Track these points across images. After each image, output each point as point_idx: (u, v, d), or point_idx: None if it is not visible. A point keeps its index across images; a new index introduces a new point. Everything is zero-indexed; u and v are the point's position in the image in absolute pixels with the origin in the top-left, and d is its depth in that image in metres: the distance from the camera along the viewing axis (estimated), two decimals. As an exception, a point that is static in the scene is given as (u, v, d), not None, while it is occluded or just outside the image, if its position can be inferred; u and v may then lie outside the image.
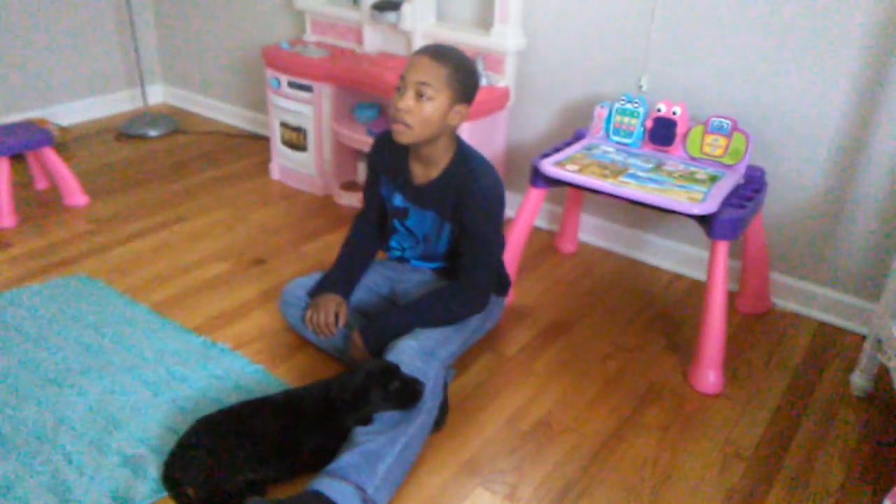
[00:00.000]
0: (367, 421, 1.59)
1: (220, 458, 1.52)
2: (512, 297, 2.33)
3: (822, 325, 2.30)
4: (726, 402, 1.94)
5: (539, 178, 2.16)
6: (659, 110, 2.20)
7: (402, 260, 2.10)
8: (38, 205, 2.84)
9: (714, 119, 2.13)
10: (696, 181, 2.03)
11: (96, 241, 2.60)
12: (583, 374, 2.03)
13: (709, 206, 1.88)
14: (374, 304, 2.07)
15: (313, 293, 2.00)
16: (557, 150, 2.24)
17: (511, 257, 2.21)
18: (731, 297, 2.31)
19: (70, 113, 3.68)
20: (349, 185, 3.01)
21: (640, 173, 2.06)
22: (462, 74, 1.76)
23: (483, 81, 2.55)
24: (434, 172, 1.88)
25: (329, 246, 2.62)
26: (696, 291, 2.43)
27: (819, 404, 1.95)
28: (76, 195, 2.86)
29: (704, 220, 1.92)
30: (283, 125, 3.02)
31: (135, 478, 1.58)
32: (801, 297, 2.34)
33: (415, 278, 2.05)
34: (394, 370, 1.61)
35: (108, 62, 3.78)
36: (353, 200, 2.92)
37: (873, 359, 1.91)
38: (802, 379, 2.05)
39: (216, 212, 2.86)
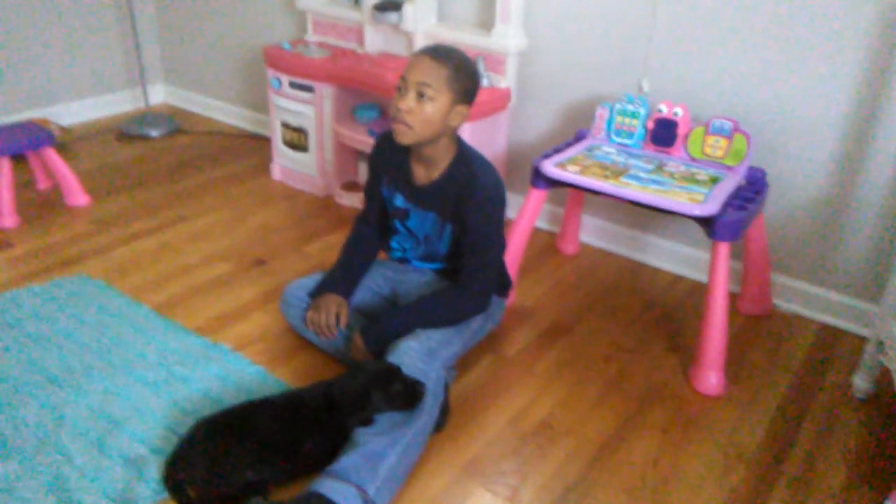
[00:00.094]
0: (368, 422, 1.59)
1: (221, 459, 1.52)
2: (513, 298, 2.33)
3: (824, 326, 2.29)
4: (728, 404, 1.93)
5: (540, 179, 2.16)
6: (660, 111, 2.20)
7: (403, 261, 2.10)
8: (39, 205, 2.85)
9: (715, 120, 2.13)
10: (698, 182, 2.03)
11: (97, 241, 2.60)
12: (584, 375, 2.02)
13: (710, 208, 1.88)
14: (375, 305, 2.07)
15: (314, 294, 2.00)
16: (558, 150, 2.24)
17: (512, 258, 2.21)
18: (733, 298, 2.31)
19: (71, 113, 3.68)
20: (350, 186, 3.01)
21: (642, 174, 2.06)
22: (463, 75, 1.76)
23: (484, 82, 2.55)
24: (435, 173, 1.88)
25: (330, 246, 2.62)
26: (698, 293, 2.42)
27: (821, 406, 1.95)
28: (77, 195, 2.86)
29: (705, 222, 1.91)
30: (285, 125, 3.02)
31: (136, 478, 1.58)
32: (803, 298, 2.34)
33: (416, 279, 2.05)
34: (395, 371, 1.61)
35: (109, 62, 3.79)
36: (354, 201, 2.92)
37: (875, 360, 1.91)
38: (804, 380, 2.04)
39: (217, 212, 2.86)
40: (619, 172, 2.07)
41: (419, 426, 1.62)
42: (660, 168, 2.12)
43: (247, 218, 2.83)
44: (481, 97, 2.31)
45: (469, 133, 2.45)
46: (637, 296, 2.42)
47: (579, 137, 2.37)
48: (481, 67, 2.53)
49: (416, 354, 1.72)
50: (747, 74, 2.21)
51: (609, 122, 2.30)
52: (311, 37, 3.12)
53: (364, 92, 2.84)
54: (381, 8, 2.73)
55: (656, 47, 2.35)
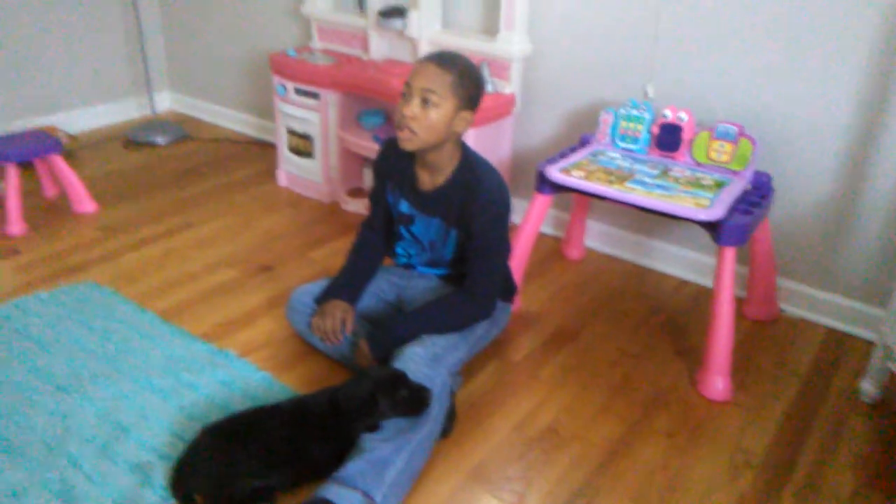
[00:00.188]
0: (374, 428, 1.59)
1: (227, 465, 1.52)
2: (518, 303, 2.33)
3: (831, 331, 2.28)
4: (735, 409, 1.93)
5: (545, 185, 2.16)
6: (665, 116, 2.20)
7: (408, 266, 2.10)
8: (46, 212, 2.86)
9: (720, 125, 2.13)
10: (703, 187, 2.02)
11: (104, 248, 2.62)
12: (590, 380, 2.02)
13: (715, 212, 1.88)
14: (380, 311, 2.07)
15: (320, 300, 2.00)
16: (563, 156, 2.24)
17: (517, 264, 2.21)
18: (739, 303, 2.31)
19: (78, 120, 3.71)
20: (355, 192, 3.01)
21: (647, 179, 2.06)
22: (467, 81, 1.76)
23: (489, 88, 2.56)
24: (440, 179, 1.88)
25: (336, 252, 2.62)
26: (704, 298, 2.42)
27: (828, 411, 1.94)
28: (84, 202, 2.87)
29: (711, 227, 1.91)
30: (290, 132, 3.03)
31: (143, 485, 1.58)
32: (809, 303, 2.33)
33: (421, 285, 2.05)
34: (401, 378, 1.61)
35: (116, 70, 3.81)
36: (360, 207, 2.93)
37: (883, 365, 1.90)
38: (811, 386, 2.03)
39: (223, 218, 2.87)
40: (624, 177, 2.06)
41: (425, 432, 1.62)
42: (665, 173, 2.12)
43: (252, 224, 2.84)
44: (486, 103, 2.31)
45: (474, 139, 2.46)
46: (643, 301, 2.41)
47: (584, 143, 2.37)
48: (486, 73, 2.54)
49: (421, 360, 1.72)
50: (752, 79, 2.21)
51: (614, 128, 2.30)
52: (317, 44, 3.14)
53: (369, 98, 2.85)
54: (385, 14, 2.74)
55: (661, 52, 2.35)
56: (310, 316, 2.00)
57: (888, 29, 1.97)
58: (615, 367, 2.08)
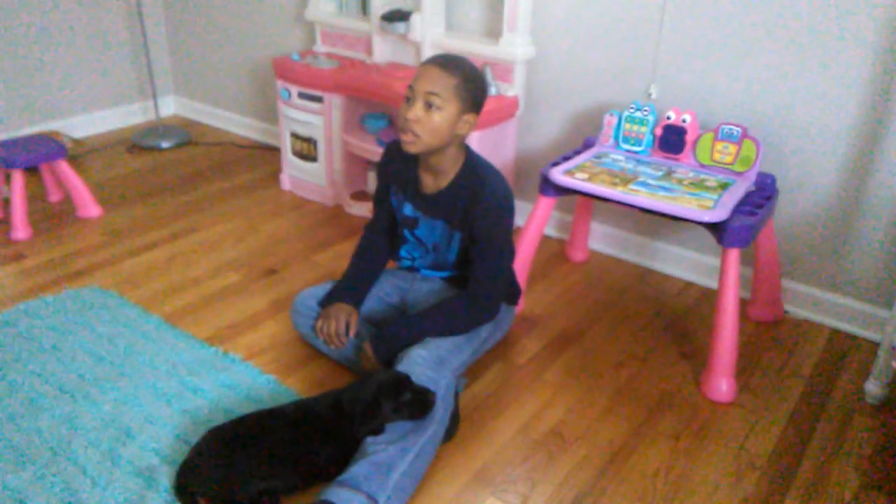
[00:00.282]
0: (378, 431, 1.59)
1: (232, 469, 1.52)
2: (522, 305, 2.33)
3: (836, 332, 2.28)
4: (739, 411, 1.92)
5: (549, 187, 2.17)
6: (668, 118, 2.20)
7: (412, 269, 2.10)
8: (51, 217, 2.87)
9: (724, 126, 2.13)
10: (707, 188, 2.02)
11: (109, 252, 2.62)
12: (594, 382, 2.02)
13: (719, 214, 1.88)
14: (384, 314, 2.08)
15: (324, 303, 2.01)
16: (567, 158, 2.24)
17: (521, 266, 2.21)
18: (744, 304, 2.30)
19: (83, 125, 3.72)
20: (359, 195, 3.02)
21: (651, 181, 2.06)
22: (470, 84, 1.77)
23: (492, 90, 2.56)
24: (443, 182, 1.89)
25: (340, 256, 2.62)
26: (708, 299, 2.41)
27: (833, 412, 1.93)
28: (89, 207, 2.88)
29: (715, 228, 1.91)
30: (294, 136, 3.04)
31: (147, 488, 1.59)
32: (814, 304, 2.32)
33: (425, 288, 2.05)
34: (405, 381, 1.61)
35: (120, 75, 3.82)
36: (364, 210, 2.93)
37: (888, 366, 1.90)
38: (816, 387, 2.03)
39: (228, 222, 2.88)
40: (627, 179, 2.06)
41: (429, 435, 1.62)
42: (669, 175, 2.11)
43: (257, 228, 2.84)
44: (489, 106, 2.31)
45: (477, 141, 2.46)
46: (647, 303, 2.41)
47: (587, 145, 2.37)
48: (489, 76, 2.54)
49: (425, 363, 1.72)
50: (756, 80, 2.21)
51: (617, 129, 2.30)
52: (320, 48, 3.14)
53: (373, 101, 2.86)
54: (389, 18, 2.74)
55: (664, 54, 2.35)
56: (314, 319, 2.01)
57: (892, 29, 1.97)
58: (619, 369, 2.08)
